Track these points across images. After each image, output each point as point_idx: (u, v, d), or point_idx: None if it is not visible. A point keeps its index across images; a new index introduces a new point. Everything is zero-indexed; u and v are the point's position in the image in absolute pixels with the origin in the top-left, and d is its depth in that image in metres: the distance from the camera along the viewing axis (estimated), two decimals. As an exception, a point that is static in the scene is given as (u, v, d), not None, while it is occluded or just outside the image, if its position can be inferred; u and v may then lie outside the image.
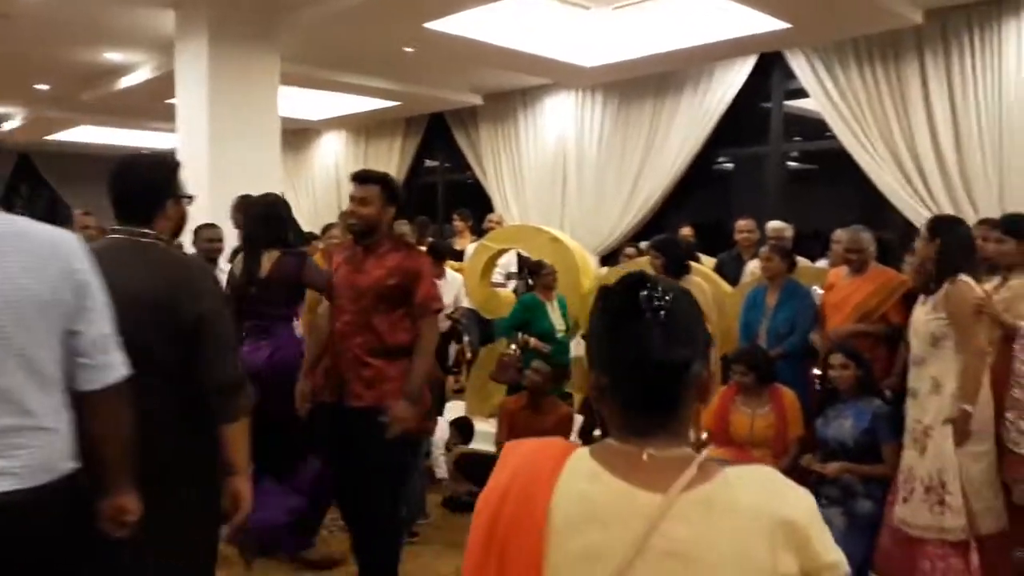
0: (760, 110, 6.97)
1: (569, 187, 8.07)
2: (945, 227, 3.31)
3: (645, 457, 0.99)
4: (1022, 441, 3.12)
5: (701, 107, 6.99)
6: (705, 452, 1.03)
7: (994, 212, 5.20)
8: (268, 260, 3.41)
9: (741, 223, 5.29)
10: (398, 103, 8.66)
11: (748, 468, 1.04)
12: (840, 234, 5.06)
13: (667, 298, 1.01)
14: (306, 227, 7.94)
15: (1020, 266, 3.40)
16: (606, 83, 7.58)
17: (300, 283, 3.46)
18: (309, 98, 8.63)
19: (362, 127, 10.34)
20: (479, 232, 7.04)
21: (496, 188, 8.81)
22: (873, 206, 6.16)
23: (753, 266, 5.05)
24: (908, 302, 3.99)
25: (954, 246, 3.17)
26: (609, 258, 7.63)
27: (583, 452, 1.04)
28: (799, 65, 6.34)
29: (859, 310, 4.10)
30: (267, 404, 2.91)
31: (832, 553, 0.99)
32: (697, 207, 7.94)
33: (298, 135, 10.94)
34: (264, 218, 3.51)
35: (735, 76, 6.75)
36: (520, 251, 6.36)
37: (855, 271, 4.19)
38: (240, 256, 3.52)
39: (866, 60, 5.97)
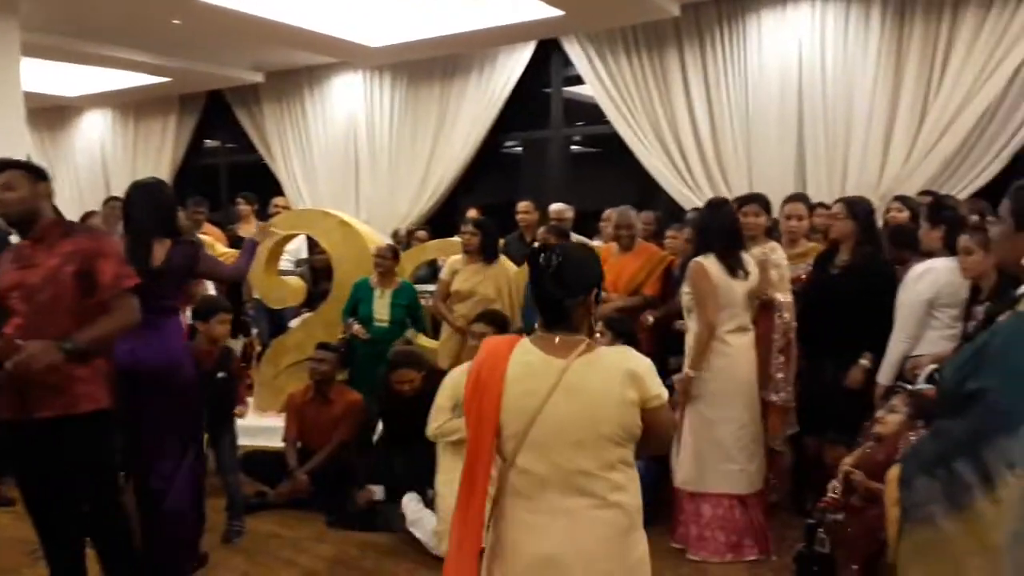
0: (542, 95, 7.24)
1: (362, 169, 7.94)
2: (705, 210, 3.63)
3: (556, 340, 1.79)
4: (781, 393, 3.51)
5: (487, 91, 7.13)
6: (592, 339, 1.82)
7: (745, 191, 5.80)
8: (160, 249, 3.07)
9: (521, 205, 5.47)
10: (168, 79, 8.02)
11: (614, 347, 1.88)
12: (609, 213, 5.41)
13: (556, 259, 1.79)
14: (70, 214, 7.16)
15: (761, 238, 3.82)
16: (394, 64, 7.51)
17: (195, 273, 3.27)
18: (65, 72, 7.78)
19: (130, 105, 9.49)
20: (264, 216, 6.72)
21: (284, 170, 8.46)
22: (648, 188, 6.61)
23: None
24: (671, 277, 4.37)
25: (711, 227, 3.47)
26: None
27: (525, 340, 1.84)
28: (575, 53, 6.65)
29: (629, 286, 4.40)
30: (156, 399, 2.97)
31: (657, 389, 1.76)
32: (487, 190, 8.12)
33: (54, 113, 9.85)
34: (154, 205, 3.13)
35: (517, 61, 6.95)
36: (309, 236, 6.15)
37: (624, 248, 4.48)
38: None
39: (633, 49, 6.37)
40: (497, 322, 3.76)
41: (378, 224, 7.48)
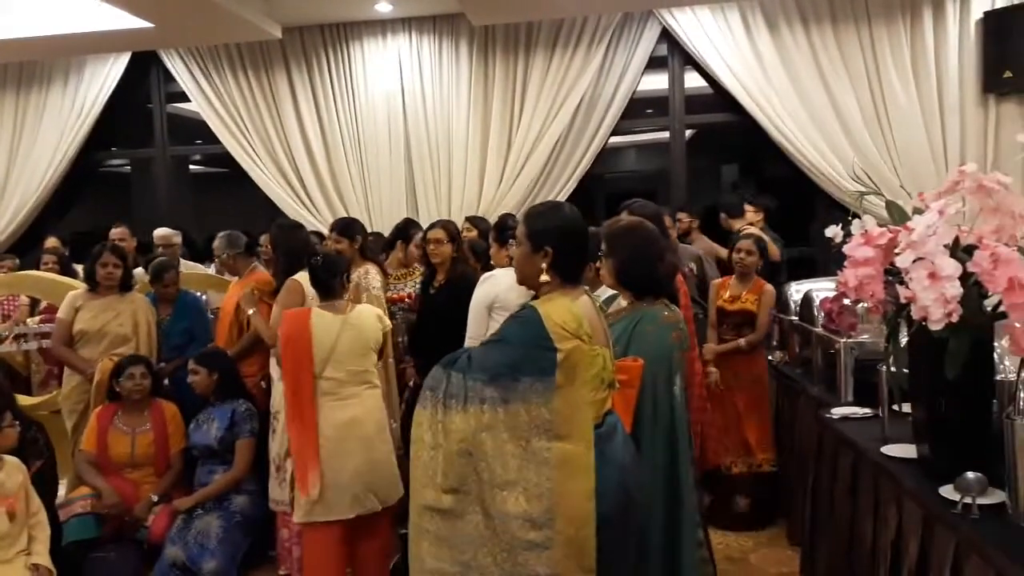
0: (145, 111, 6.66)
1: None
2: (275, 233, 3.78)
3: (339, 304, 3.19)
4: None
5: (75, 103, 6.36)
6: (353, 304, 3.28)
7: (362, 214, 5.95)
8: None
9: (114, 231, 4.98)
10: None
11: (362, 308, 3.32)
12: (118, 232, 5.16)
13: (317, 260, 3.29)
14: None
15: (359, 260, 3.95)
16: (-50, 68, 6.35)
17: None
18: None
19: None
20: None
21: None
22: (278, 210, 6.41)
23: None
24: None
25: (285, 250, 3.54)
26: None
27: (317, 308, 3.16)
28: (176, 68, 6.24)
29: (237, 319, 4.22)
30: None
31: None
32: (87, 213, 7.25)
33: None
34: None
35: (109, 73, 6.31)
36: None
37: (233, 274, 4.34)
38: None
39: (240, 68, 6.17)
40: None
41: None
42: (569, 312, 1.93)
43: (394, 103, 6.04)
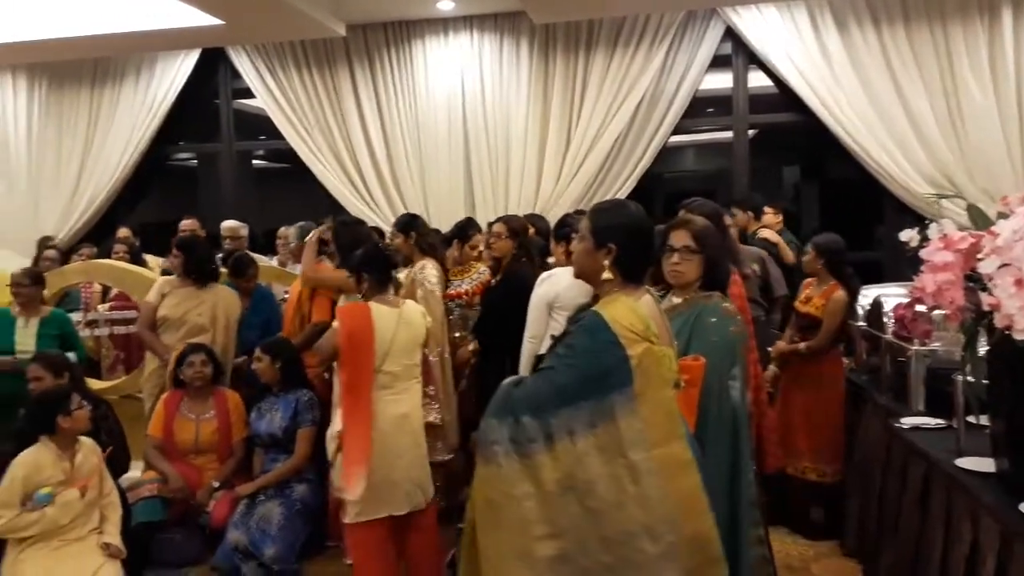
0: (213, 106, 6.84)
1: (-7, 183, 6.85)
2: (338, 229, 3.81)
3: (392, 299, 3.19)
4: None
5: (146, 98, 6.56)
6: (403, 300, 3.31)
7: (420, 210, 5.99)
8: None
9: (184, 223, 5.12)
10: None
11: (412, 304, 3.34)
12: (284, 231, 5.28)
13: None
14: None
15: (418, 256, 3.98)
16: (30, 64, 6.60)
17: None
18: None
19: None
20: None
21: None
22: (332, 204, 6.52)
23: None
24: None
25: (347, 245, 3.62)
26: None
27: (373, 303, 3.10)
28: (243, 65, 6.38)
29: (299, 311, 4.29)
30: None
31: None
32: (154, 206, 7.47)
33: None
34: None
35: (179, 69, 6.48)
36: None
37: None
38: None
39: (304, 65, 6.28)
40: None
41: (17, 244, 6.50)
42: (634, 313, 1.89)
43: (454, 100, 6.08)
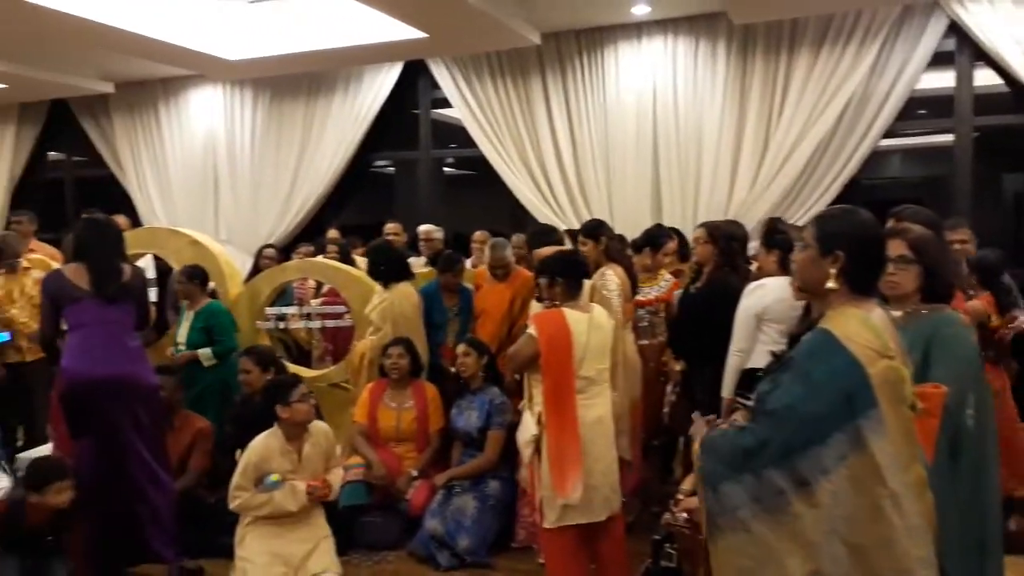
0: (411, 116, 7.22)
1: (222, 187, 7.59)
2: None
3: (582, 304, 3.23)
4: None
5: (353, 110, 7.03)
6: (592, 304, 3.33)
7: (606, 216, 5.99)
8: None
9: (388, 226, 5.44)
10: (4, 86, 7.42)
11: (599, 309, 3.31)
12: (481, 235, 5.46)
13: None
14: None
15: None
16: (256, 79, 7.28)
17: None
18: None
19: (-38, 112, 8.69)
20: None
21: (137, 186, 7.98)
22: (518, 210, 6.69)
23: None
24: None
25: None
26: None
27: (566, 308, 3.13)
28: (441, 75, 6.67)
29: (508, 318, 4.54)
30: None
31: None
32: (356, 209, 7.98)
33: None
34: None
35: (383, 82, 6.89)
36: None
37: (499, 279, 4.64)
38: None
39: (499, 75, 6.46)
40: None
41: (240, 243, 7.20)
42: (869, 328, 1.76)
43: (644, 104, 6.02)
